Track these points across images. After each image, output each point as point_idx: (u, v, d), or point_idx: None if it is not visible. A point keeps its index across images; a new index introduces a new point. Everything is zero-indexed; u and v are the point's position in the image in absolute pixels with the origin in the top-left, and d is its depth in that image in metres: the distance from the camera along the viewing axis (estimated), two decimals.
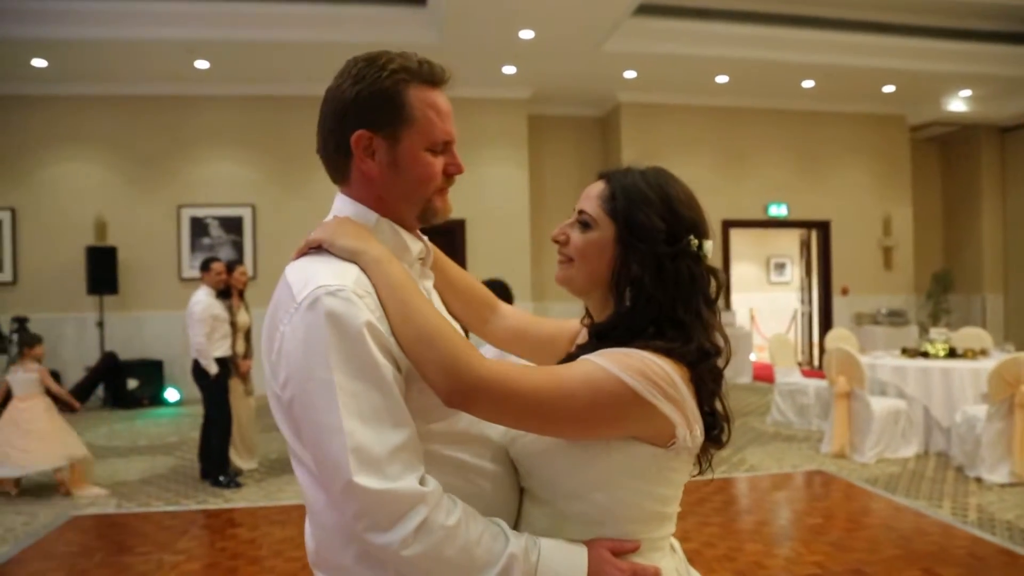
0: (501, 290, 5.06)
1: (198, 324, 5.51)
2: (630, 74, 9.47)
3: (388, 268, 1.07)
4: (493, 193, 9.92)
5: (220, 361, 5.59)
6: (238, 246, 9.75)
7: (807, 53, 8.95)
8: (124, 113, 9.57)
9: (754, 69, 9.31)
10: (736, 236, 11.65)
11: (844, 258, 11.17)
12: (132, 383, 9.11)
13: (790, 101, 10.71)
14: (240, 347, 5.94)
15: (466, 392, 1.00)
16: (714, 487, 5.03)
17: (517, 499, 1.20)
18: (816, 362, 11.46)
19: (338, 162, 1.17)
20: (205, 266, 5.78)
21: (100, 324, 9.21)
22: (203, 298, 5.62)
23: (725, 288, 1.24)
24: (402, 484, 0.96)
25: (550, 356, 1.33)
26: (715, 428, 1.16)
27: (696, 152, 10.59)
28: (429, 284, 1.27)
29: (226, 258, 7.55)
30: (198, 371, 5.57)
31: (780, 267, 14.69)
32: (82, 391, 8.73)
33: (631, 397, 1.02)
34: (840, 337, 7.67)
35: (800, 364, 11.38)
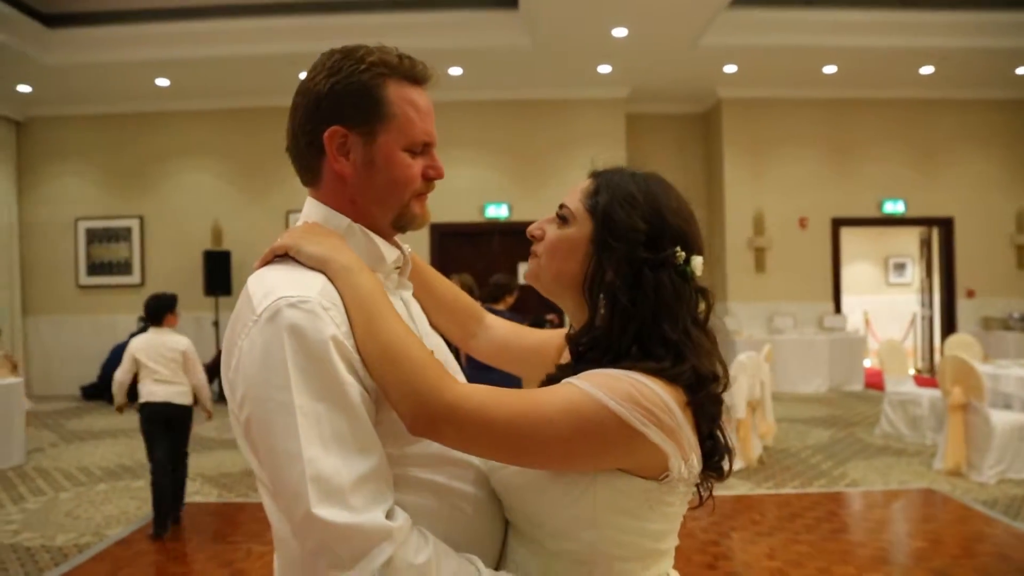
0: (504, 289, 5.04)
1: None
2: (730, 68, 9.14)
3: (357, 278, 0.98)
4: None
5: None
6: None
7: (925, 36, 8.33)
8: (235, 125, 10.12)
9: (865, 57, 8.76)
10: (848, 235, 11.02)
11: (970, 257, 10.32)
12: None
13: (905, 89, 10.00)
14: None
15: (431, 420, 0.92)
16: (808, 502, 4.76)
17: (503, 526, 1.12)
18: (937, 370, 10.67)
19: (309, 161, 1.09)
20: None
21: (216, 323, 9.79)
22: None
23: (709, 306, 1.10)
24: (367, 518, 0.88)
25: (537, 368, 1.23)
26: (715, 456, 1.04)
27: (803, 147, 10.09)
28: (407, 294, 1.20)
29: None
30: None
31: (900, 267, 13.75)
32: None
33: (617, 425, 0.92)
34: (960, 343, 7.09)
35: (920, 371, 10.68)
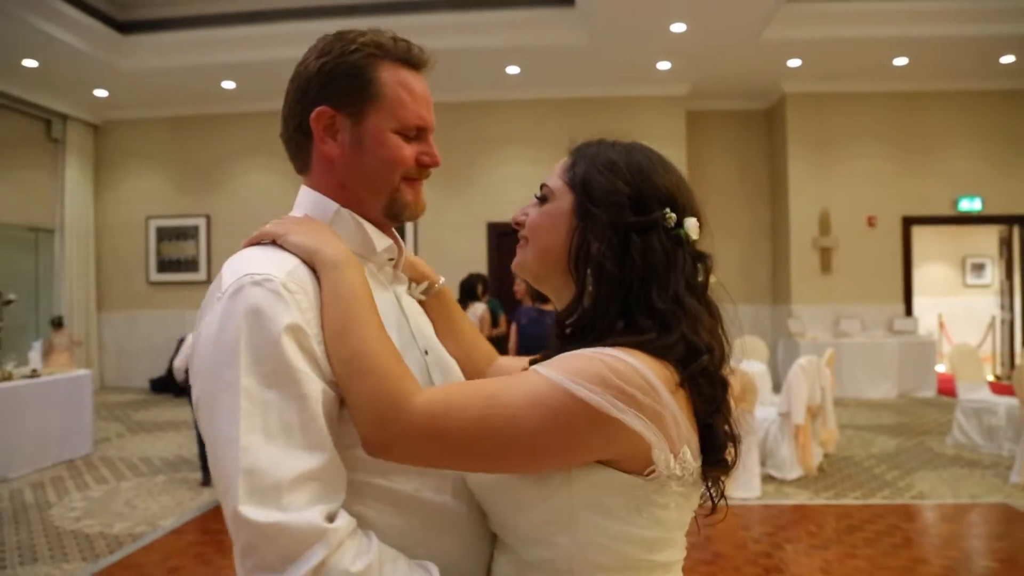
0: (481, 283, 4.91)
1: None
2: (794, 62, 8.85)
3: (343, 274, 0.92)
4: None
5: None
6: None
7: (1004, 23, 7.89)
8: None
9: (938, 47, 8.36)
10: (921, 234, 10.55)
11: None
12: None
13: (982, 81, 9.50)
14: None
15: (384, 443, 0.85)
16: (869, 514, 4.55)
17: (489, 544, 1.04)
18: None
19: (299, 145, 1.06)
20: None
21: None
22: None
23: (708, 272, 1.00)
24: (297, 517, 0.80)
25: None
26: (717, 448, 0.93)
27: (871, 143, 9.70)
28: (401, 289, 1.15)
29: None
30: None
31: (978, 268, 13.08)
32: None
33: (586, 413, 0.82)
34: None
35: (999, 378, 10.13)
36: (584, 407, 0.82)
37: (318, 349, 0.89)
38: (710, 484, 0.97)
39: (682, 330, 0.90)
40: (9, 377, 5.74)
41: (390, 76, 1.03)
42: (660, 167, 1.00)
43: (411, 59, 1.06)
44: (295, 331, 0.87)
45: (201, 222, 10.47)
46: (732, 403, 0.96)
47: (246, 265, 0.92)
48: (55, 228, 10.07)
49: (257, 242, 1.00)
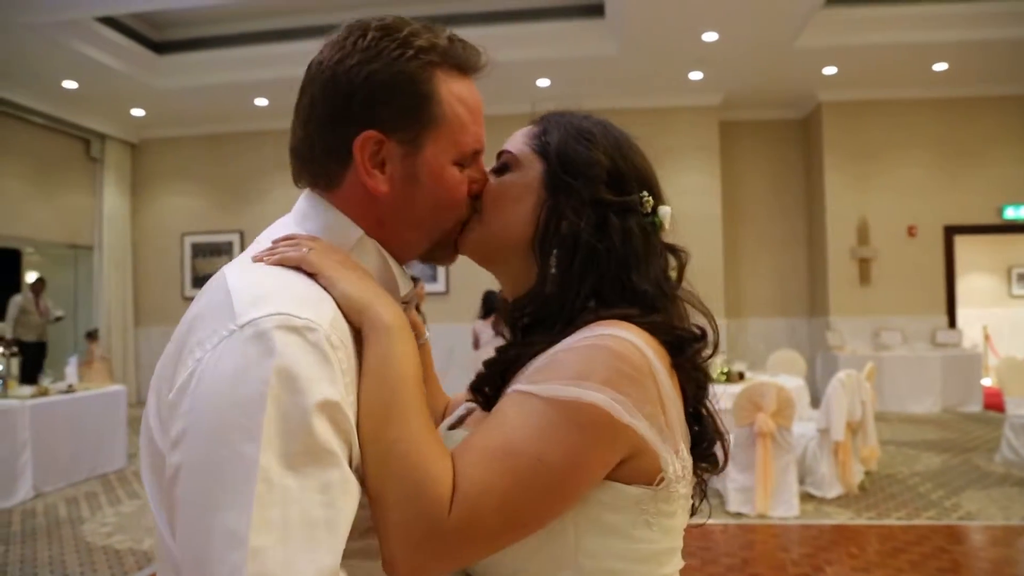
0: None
1: None
2: (830, 70, 8.68)
3: (395, 345, 0.75)
4: (683, 205, 9.46)
5: None
6: None
7: None
8: None
9: (980, 51, 8.13)
10: (964, 244, 10.23)
11: None
12: None
13: None
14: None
15: (420, 567, 0.72)
16: (914, 535, 4.37)
17: None
18: None
19: (327, 167, 0.85)
20: None
21: None
22: None
23: (682, 266, 0.93)
24: None
25: None
26: (706, 441, 0.86)
27: (911, 151, 9.47)
28: None
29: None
30: None
31: None
32: None
33: (602, 423, 0.72)
34: None
35: None
36: (598, 412, 0.73)
37: (352, 425, 0.72)
38: (697, 483, 0.88)
39: (668, 313, 0.84)
40: (46, 392, 5.81)
41: (448, 91, 0.85)
42: (634, 145, 0.92)
43: (468, 64, 0.88)
44: (332, 407, 0.69)
45: (235, 238, 10.59)
46: (712, 391, 0.89)
47: (274, 298, 0.72)
48: (94, 245, 10.27)
49: (276, 262, 0.79)
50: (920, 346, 9.18)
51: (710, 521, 3.54)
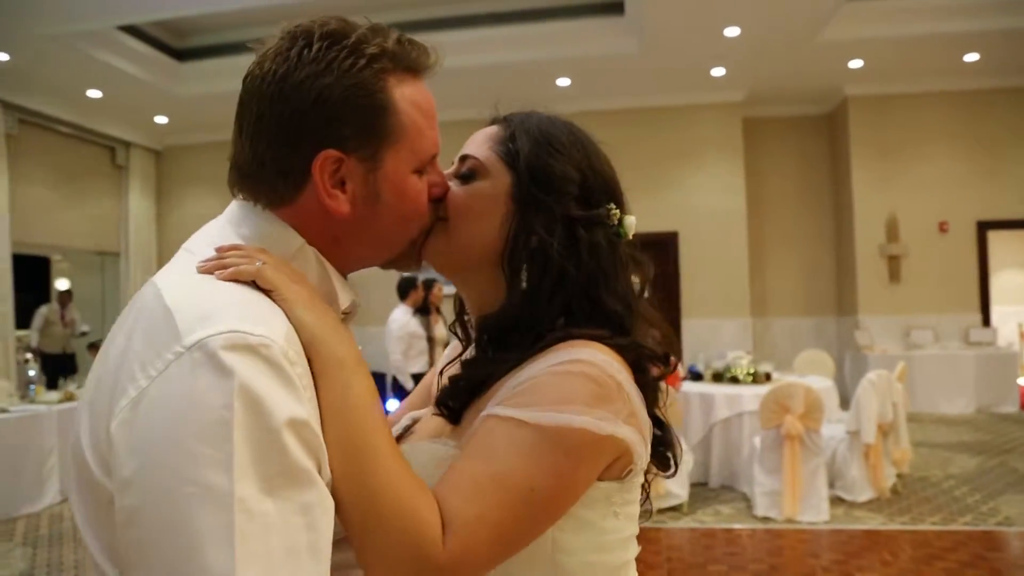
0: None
1: (395, 342, 5.78)
2: (856, 63, 8.50)
3: (353, 381, 0.72)
4: (707, 203, 9.42)
5: (418, 377, 5.81)
6: None
7: None
8: None
9: (1012, 41, 7.87)
10: (998, 239, 9.98)
11: None
12: None
13: None
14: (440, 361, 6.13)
15: None
16: (950, 541, 4.23)
17: None
18: None
19: (275, 186, 0.80)
20: (405, 290, 6.03)
21: None
22: (400, 316, 5.88)
23: (647, 279, 0.93)
24: None
25: None
26: (664, 443, 0.89)
27: (941, 145, 9.23)
28: None
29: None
30: (396, 386, 5.83)
31: None
32: None
33: (591, 441, 0.75)
34: None
35: None
36: (585, 435, 0.75)
37: (319, 439, 0.68)
38: (647, 482, 0.91)
39: (634, 335, 0.84)
40: (72, 398, 5.87)
41: (402, 97, 0.80)
42: (599, 151, 0.92)
43: (419, 65, 0.83)
44: (300, 424, 0.65)
45: None
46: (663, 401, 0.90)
47: (222, 312, 0.67)
48: (120, 251, 10.39)
49: (229, 276, 0.73)
50: (953, 345, 8.96)
51: (737, 526, 3.46)
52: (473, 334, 0.95)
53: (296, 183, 0.79)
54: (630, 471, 0.81)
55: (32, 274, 10.88)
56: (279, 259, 0.78)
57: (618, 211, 0.88)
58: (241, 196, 0.85)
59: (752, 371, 5.72)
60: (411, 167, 0.82)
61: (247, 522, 0.59)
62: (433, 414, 0.91)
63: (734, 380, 5.72)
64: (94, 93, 8.64)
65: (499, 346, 0.86)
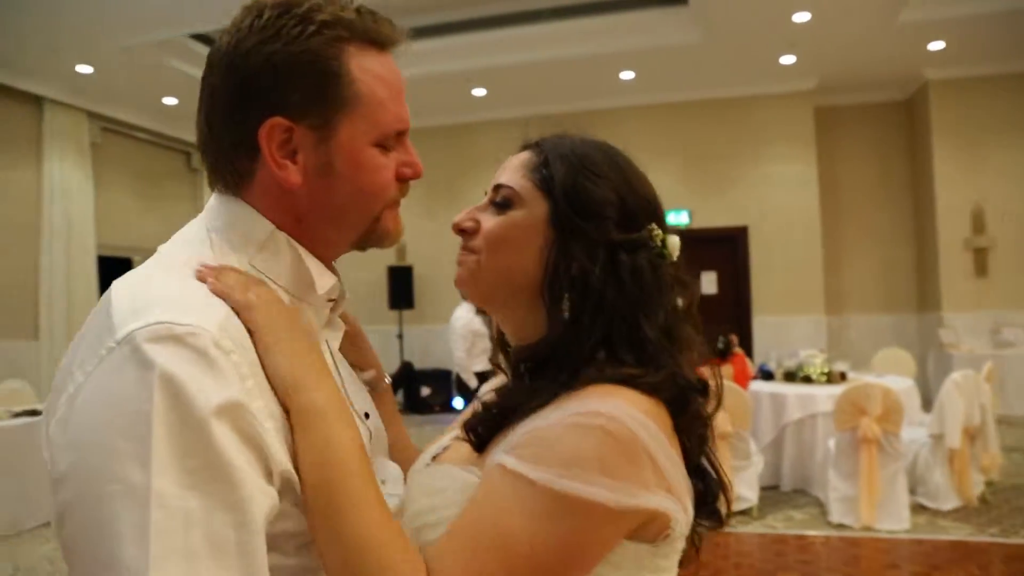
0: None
1: (459, 340, 5.78)
2: (936, 45, 8.05)
3: (335, 433, 0.69)
4: (778, 196, 9.12)
5: (481, 375, 5.79)
6: None
7: None
8: (417, 144, 10.25)
9: None
10: None
11: None
12: (425, 391, 9.98)
13: None
14: (503, 360, 6.10)
15: None
16: (1009, 552, 3.95)
17: None
18: None
19: (235, 163, 0.78)
20: None
21: (400, 336, 10.23)
22: (463, 314, 5.88)
23: (692, 300, 0.88)
24: None
25: None
26: (708, 496, 0.82)
27: None
28: (335, 341, 0.90)
29: None
30: (460, 384, 5.83)
31: None
32: None
33: (601, 512, 0.68)
34: None
35: None
36: (596, 508, 0.68)
37: (267, 427, 0.66)
38: (697, 536, 0.85)
39: (671, 366, 0.78)
40: None
41: (360, 67, 0.77)
42: (637, 171, 0.86)
43: (383, 38, 0.80)
44: (232, 411, 0.63)
45: None
46: (714, 447, 0.85)
47: (154, 304, 0.65)
48: None
49: (219, 292, 0.72)
50: None
51: (810, 532, 3.30)
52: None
53: (250, 155, 0.77)
54: (666, 536, 0.74)
55: (116, 276, 11.32)
56: (276, 297, 0.76)
57: (660, 232, 0.84)
58: (217, 187, 0.83)
59: (826, 370, 5.49)
60: (369, 138, 0.79)
61: (165, 518, 0.58)
62: (460, 439, 0.87)
63: (807, 380, 5.50)
64: (169, 100, 8.94)
65: (536, 376, 0.82)
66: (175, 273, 0.73)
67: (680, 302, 0.86)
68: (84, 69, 7.83)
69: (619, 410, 0.71)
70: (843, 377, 5.49)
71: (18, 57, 7.48)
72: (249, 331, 0.71)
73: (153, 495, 0.58)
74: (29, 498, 4.75)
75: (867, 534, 4.28)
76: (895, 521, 4.33)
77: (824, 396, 5.03)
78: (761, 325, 9.03)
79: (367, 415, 0.89)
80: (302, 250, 0.81)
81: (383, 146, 0.81)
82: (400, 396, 10.26)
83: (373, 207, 0.82)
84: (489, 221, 0.87)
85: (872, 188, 9.60)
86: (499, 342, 0.96)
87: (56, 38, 6.97)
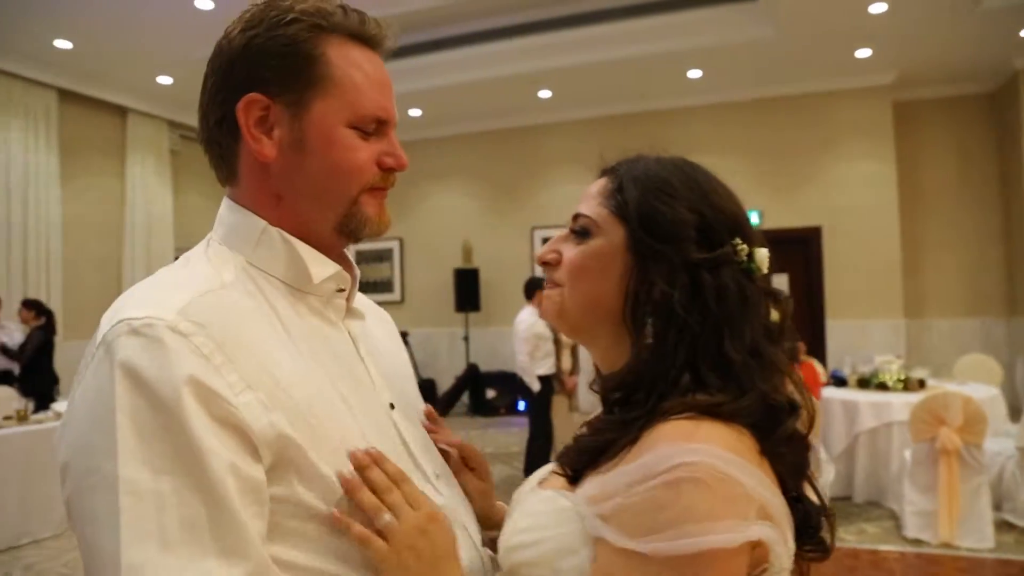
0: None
1: (521, 343, 5.77)
2: None
3: None
4: (854, 195, 8.78)
5: (544, 379, 5.77)
6: None
7: None
8: (484, 147, 10.64)
9: None
10: None
11: None
12: (490, 393, 10.02)
13: None
14: (566, 363, 6.08)
15: None
16: None
17: None
18: None
19: (223, 145, 0.84)
20: (531, 291, 6.02)
21: (466, 338, 10.30)
22: (526, 317, 5.87)
23: (785, 315, 0.84)
24: None
25: None
26: (810, 523, 0.78)
27: None
28: (358, 325, 0.93)
29: None
30: (523, 387, 5.82)
31: None
32: (449, 398, 9.87)
33: (723, 560, 0.67)
34: None
35: None
36: (718, 554, 0.66)
37: (237, 404, 0.68)
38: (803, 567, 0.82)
39: (759, 387, 0.76)
40: None
41: (339, 54, 0.82)
42: (717, 186, 0.83)
43: (365, 35, 0.85)
44: (196, 386, 0.66)
45: (395, 244, 11.04)
46: (813, 470, 0.81)
47: (127, 306, 0.72)
48: None
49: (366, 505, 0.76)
50: None
51: (884, 547, 3.15)
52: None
53: (232, 133, 0.83)
54: (764, 570, 0.71)
55: None
56: (412, 523, 0.76)
57: (745, 246, 0.82)
58: (219, 179, 0.90)
59: (903, 377, 5.26)
60: (341, 118, 0.82)
61: (135, 504, 0.62)
62: (554, 472, 0.87)
63: (882, 387, 5.28)
64: None
65: (624, 405, 0.81)
66: (158, 276, 0.80)
67: (773, 315, 0.84)
68: (164, 80, 8.18)
69: (700, 453, 0.69)
70: (921, 384, 5.25)
71: (105, 70, 7.87)
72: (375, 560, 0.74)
73: (122, 483, 0.62)
74: None
75: (946, 551, 4.07)
76: (977, 539, 4.11)
77: (900, 404, 4.82)
78: (835, 329, 8.72)
79: (392, 406, 0.90)
80: (295, 242, 0.84)
81: (359, 129, 0.84)
82: (465, 398, 10.34)
83: (348, 187, 0.84)
84: (570, 252, 0.87)
85: (956, 186, 9.13)
86: (598, 372, 0.96)
87: (139, 52, 7.31)
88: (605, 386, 0.85)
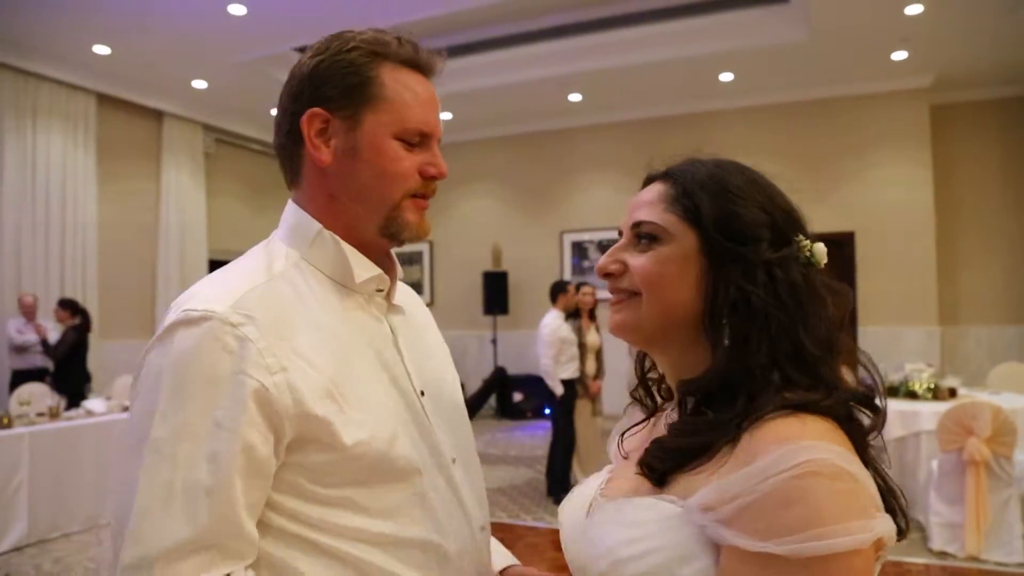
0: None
1: (546, 346, 5.76)
2: None
3: None
4: (889, 199, 8.62)
5: (567, 383, 5.76)
6: None
7: None
8: (514, 150, 10.65)
9: None
10: None
11: None
12: (517, 396, 10.01)
13: None
14: (591, 367, 6.05)
15: None
16: None
17: None
18: None
19: (290, 153, 0.99)
20: (555, 294, 6.01)
21: (494, 341, 10.32)
22: (550, 321, 5.86)
23: (847, 306, 0.86)
24: None
25: None
26: (889, 510, 0.75)
27: None
28: (398, 321, 1.03)
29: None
30: (549, 391, 5.81)
31: None
32: (477, 400, 9.88)
33: (861, 559, 0.67)
34: None
35: None
36: (856, 555, 0.66)
37: (268, 383, 0.82)
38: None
39: (840, 383, 0.78)
40: None
41: (392, 77, 0.96)
42: (773, 185, 0.88)
43: (417, 62, 0.98)
44: (233, 377, 0.81)
45: (425, 248, 11.11)
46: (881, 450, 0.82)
47: (194, 295, 0.87)
48: None
49: None
50: None
51: (908, 559, 3.10)
52: (659, 398, 0.96)
53: (297, 142, 0.97)
54: (878, 558, 0.72)
55: None
56: None
57: (808, 242, 0.84)
58: (286, 183, 1.04)
59: (932, 385, 5.14)
60: (390, 131, 0.94)
61: (158, 461, 0.78)
62: (636, 473, 0.85)
63: (912, 395, 5.17)
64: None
65: (705, 407, 0.81)
66: (220, 273, 0.93)
67: (834, 310, 0.84)
68: (199, 84, 8.36)
69: (817, 450, 0.69)
70: (952, 393, 5.12)
71: (142, 75, 8.07)
72: None
73: (150, 441, 0.79)
74: None
75: (973, 564, 3.97)
76: (1006, 553, 4.00)
77: (929, 413, 4.71)
78: (867, 335, 8.55)
79: (423, 393, 0.99)
80: (344, 245, 0.97)
81: (405, 141, 0.95)
82: (493, 401, 10.36)
83: (391, 191, 0.95)
84: (638, 260, 0.86)
85: (995, 190, 8.91)
86: (641, 376, 0.97)
87: (174, 57, 7.48)
88: (685, 390, 0.84)
